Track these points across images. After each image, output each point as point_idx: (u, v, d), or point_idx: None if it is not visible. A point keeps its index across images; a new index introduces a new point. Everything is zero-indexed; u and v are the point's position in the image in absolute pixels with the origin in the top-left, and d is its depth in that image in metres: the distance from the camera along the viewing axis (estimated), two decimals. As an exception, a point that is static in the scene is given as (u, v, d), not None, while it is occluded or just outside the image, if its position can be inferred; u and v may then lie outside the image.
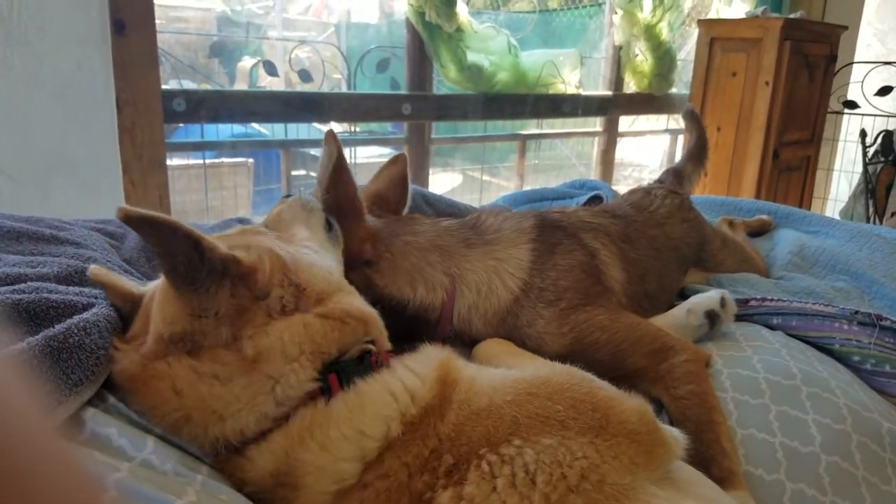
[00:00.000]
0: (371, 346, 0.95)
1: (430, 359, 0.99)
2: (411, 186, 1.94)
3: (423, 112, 3.34)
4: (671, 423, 1.23)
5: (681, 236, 1.77)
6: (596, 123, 4.25)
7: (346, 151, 4.33)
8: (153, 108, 2.67)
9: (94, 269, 1.03)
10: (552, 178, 4.33)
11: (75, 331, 0.88)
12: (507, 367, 1.14)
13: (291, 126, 3.15)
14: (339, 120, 3.22)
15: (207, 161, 3.15)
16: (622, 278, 1.45)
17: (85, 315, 0.92)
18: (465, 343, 1.30)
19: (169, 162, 2.79)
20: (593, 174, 4.22)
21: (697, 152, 2.13)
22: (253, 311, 0.89)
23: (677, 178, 2.08)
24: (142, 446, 0.84)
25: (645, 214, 1.74)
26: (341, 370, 0.90)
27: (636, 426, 0.92)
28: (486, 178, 4.75)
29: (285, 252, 0.98)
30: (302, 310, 0.93)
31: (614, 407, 0.93)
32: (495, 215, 1.43)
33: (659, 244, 1.66)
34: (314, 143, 3.25)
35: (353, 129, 3.53)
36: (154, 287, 0.98)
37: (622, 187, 5.14)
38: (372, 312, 1.02)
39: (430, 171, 3.64)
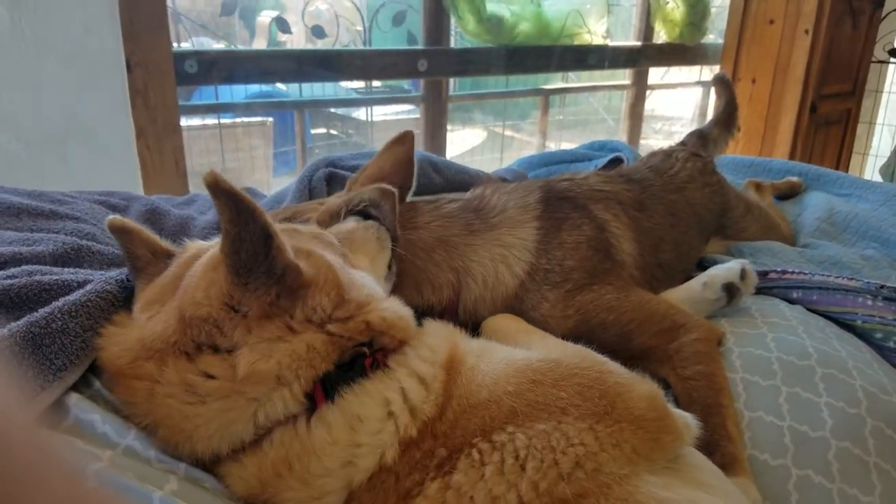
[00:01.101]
0: (364, 350, 0.89)
1: (436, 348, 0.94)
2: (418, 153, 1.90)
3: (440, 68, 3.24)
4: (676, 405, 1.20)
5: (702, 202, 1.70)
6: (624, 76, 4.12)
7: (362, 111, 4.27)
8: (165, 69, 2.64)
9: (112, 217, 0.98)
10: (578, 134, 4.24)
11: (58, 315, 0.87)
12: (517, 345, 1.12)
13: (312, 85, 3.10)
14: (354, 78, 3.15)
15: (223, 121, 3.11)
16: (634, 250, 1.39)
17: (71, 297, 0.91)
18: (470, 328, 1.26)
19: (184, 123, 2.77)
20: (621, 130, 4.11)
21: (726, 118, 2.05)
22: (275, 322, 0.83)
23: (702, 140, 2.00)
24: (125, 433, 0.83)
25: (664, 178, 1.67)
26: (327, 379, 0.84)
27: (644, 412, 0.88)
28: (508, 133, 4.66)
29: (344, 273, 0.92)
30: (321, 323, 0.86)
31: (623, 393, 0.90)
32: (500, 190, 1.37)
33: (677, 210, 1.60)
34: (332, 102, 3.19)
35: (369, 86, 3.46)
36: (192, 254, 0.93)
37: (652, 141, 5.02)
38: (401, 318, 0.94)
39: (450, 129, 3.56)
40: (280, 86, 3.64)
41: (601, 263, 1.30)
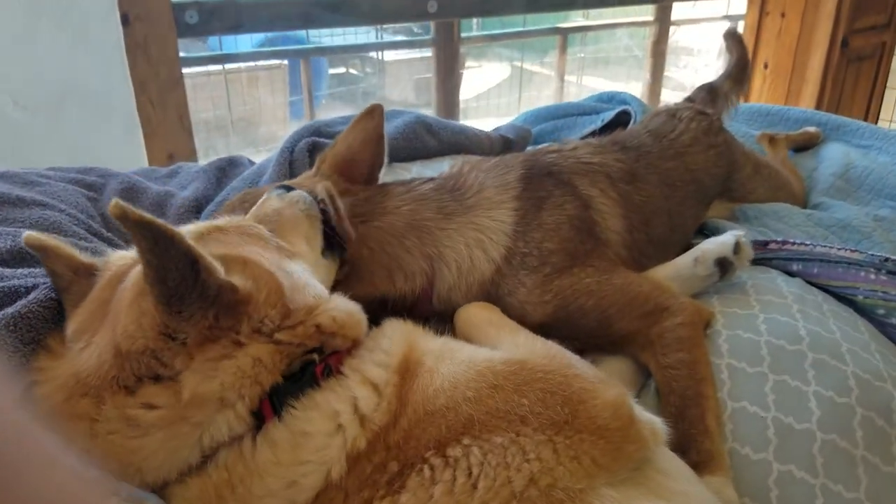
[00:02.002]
0: (314, 357, 0.85)
1: (391, 351, 0.91)
2: (410, 113, 1.83)
3: (451, 8, 3.10)
4: (657, 394, 1.16)
5: (704, 166, 1.62)
6: (647, 11, 3.93)
7: (372, 55, 4.16)
8: (165, 21, 2.57)
9: (28, 235, 0.94)
10: (599, 72, 4.08)
11: (-6, 330, 0.85)
12: (484, 342, 1.07)
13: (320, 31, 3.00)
14: (362, 23, 3.05)
15: (229, 67, 3.04)
16: (621, 227, 1.33)
17: (10, 309, 0.89)
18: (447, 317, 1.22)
19: (186, 71, 2.71)
20: (644, 67, 3.95)
21: (737, 73, 1.93)
22: (219, 343, 0.79)
23: (711, 95, 1.89)
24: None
25: (663, 143, 1.59)
26: (275, 393, 0.81)
27: (607, 421, 0.85)
28: (531, 67, 4.52)
29: (283, 275, 0.87)
30: (269, 334, 0.83)
31: (587, 401, 0.86)
32: (478, 167, 1.30)
33: (674, 179, 1.52)
34: (339, 49, 3.10)
35: (379, 30, 3.34)
36: (114, 273, 0.89)
37: (675, 73, 4.83)
38: (350, 315, 0.91)
39: (469, 66, 3.43)
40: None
41: (583, 244, 1.24)
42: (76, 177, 1.44)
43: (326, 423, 0.81)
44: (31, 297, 0.92)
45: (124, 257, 0.92)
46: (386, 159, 1.29)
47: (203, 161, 2.93)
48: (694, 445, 1.05)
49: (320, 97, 3.75)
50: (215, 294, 0.77)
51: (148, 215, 0.70)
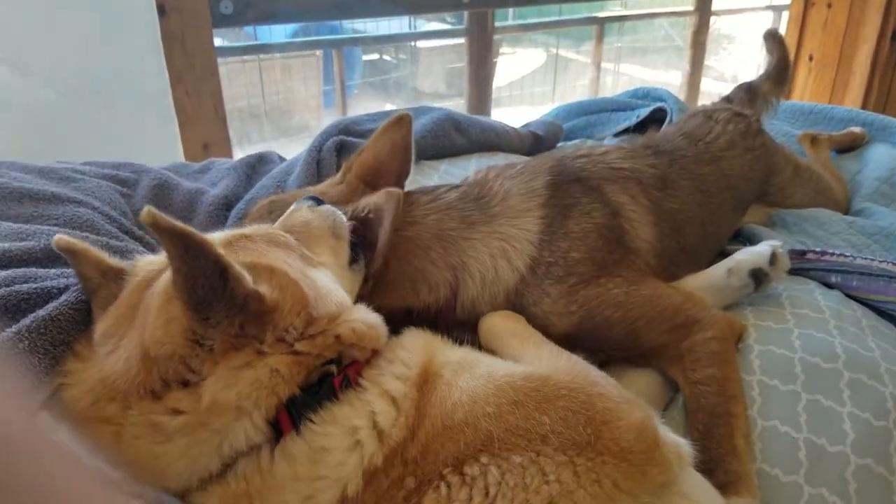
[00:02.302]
0: (332, 368, 0.85)
1: (410, 363, 0.90)
2: (439, 110, 1.81)
3: (485, -1, 3.06)
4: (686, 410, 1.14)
5: (740, 171, 1.57)
6: (687, 2, 3.84)
7: (407, 46, 4.13)
8: (200, 11, 2.58)
9: (58, 238, 0.94)
10: (637, 61, 4.00)
11: (25, 334, 0.87)
12: (507, 354, 1.06)
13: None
14: (395, 14, 3.02)
15: (263, 56, 3.04)
16: (651, 236, 1.30)
17: (41, 311, 0.90)
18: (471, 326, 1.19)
19: (222, 60, 2.72)
20: (684, 58, 3.87)
21: (777, 74, 1.88)
22: (242, 351, 0.79)
23: (750, 95, 1.85)
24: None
25: (699, 147, 1.55)
26: (293, 405, 0.81)
27: (631, 444, 0.83)
28: (567, 54, 4.45)
29: (308, 284, 0.87)
30: (291, 343, 0.83)
31: (610, 422, 0.84)
32: (504, 174, 1.28)
33: (708, 185, 1.48)
34: (372, 39, 3.08)
35: (413, 22, 3.32)
36: (143, 278, 0.89)
37: (716, 63, 4.72)
38: (371, 327, 0.91)
39: (504, 52, 3.37)
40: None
41: (611, 254, 1.21)
42: (110, 172, 1.46)
43: (344, 439, 0.80)
44: (62, 299, 0.93)
45: (152, 262, 0.92)
46: (413, 159, 1.28)
47: (237, 150, 2.95)
48: (721, 465, 1.02)
49: (353, 87, 3.74)
50: (242, 302, 0.78)
51: (179, 224, 0.70)
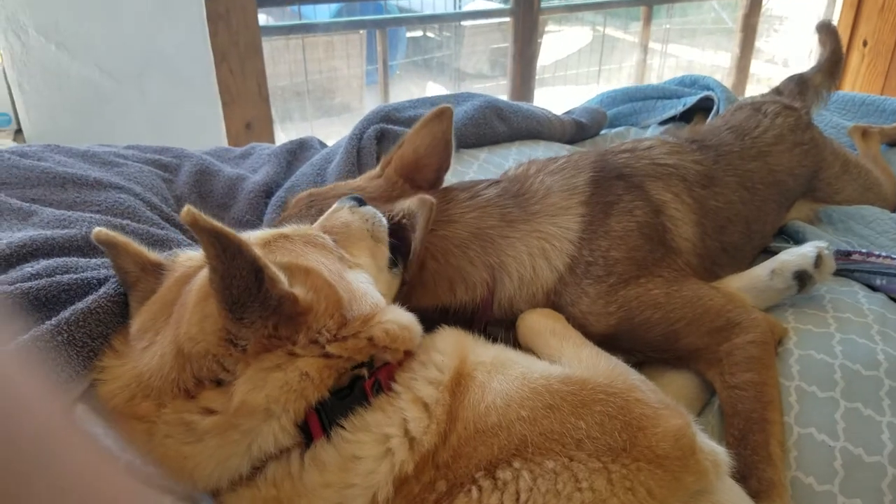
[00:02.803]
0: (363, 372, 0.85)
1: (443, 366, 0.89)
2: (481, 97, 1.80)
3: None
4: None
5: (788, 167, 1.54)
6: (740, -18, 3.74)
7: (450, 35, 4.08)
8: (245, -11, 2.59)
9: (98, 231, 0.95)
10: (686, 41, 3.90)
11: (64, 326, 0.89)
12: (546, 353, 1.06)
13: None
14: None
15: (307, 35, 3.04)
16: (693, 235, 1.28)
17: (80, 304, 0.92)
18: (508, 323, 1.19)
19: (266, 39, 2.73)
20: (734, 40, 3.77)
21: (829, 67, 1.83)
22: (274, 353, 0.80)
23: (800, 87, 1.79)
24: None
25: (745, 141, 1.51)
26: (323, 409, 0.80)
27: (668, 451, 0.83)
28: (614, 33, 4.35)
29: (343, 287, 0.87)
30: (323, 345, 0.83)
31: (647, 428, 0.84)
32: (545, 170, 1.26)
33: (754, 181, 1.45)
34: (417, 19, 3.05)
35: (458, 1, 3.28)
36: (182, 273, 0.90)
37: (766, 45, 4.58)
38: (404, 328, 0.90)
39: (549, 30, 3.29)
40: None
41: (651, 253, 1.20)
42: (153, 157, 1.48)
43: (376, 448, 0.80)
44: (101, 291, 0.95)
45: (192, 258, 0.93)
46: (453, 153, 1.27)
47: (278, 130, 2.97)
48: (755, 473, 1.01)
49: (395, 67, 3.72)
50: (277, 303, 0.78)
51: (217, 224, 0.71)
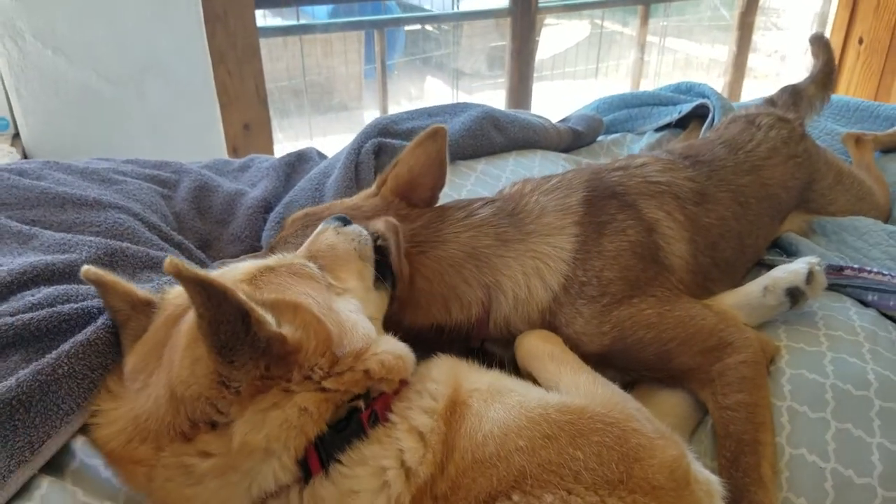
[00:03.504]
0: (359, 404, 0.86)
1: (438, 394, 0.90)
2: (480, 108, 1.81)
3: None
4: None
5: (781, 179, 1.55)
6: (736, -20, 3.73)
7: (448, 30, 4.07)
8: (243, -8, 2.59)
9: (86, 269, 0.95)
10: (684, 35, 3.89)
11: (65, 360, 0.90)
12: (544, 377, 1.06)
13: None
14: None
15: (305, 37, 3.04)
16: (686, 252, 1.29)
17: (80, 336, 0.93)
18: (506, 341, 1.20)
19: (264, 40, 2.73)
20: (731, 37, 3.77)
21: (823, 78, 1.84)
22: (270, 392, 0.80)
23: (794, 98, 1.80)
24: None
25: (739, 156, 1.52)
26: (321, 443, 0.82)
27: (663, 482, 0.84)
28: (611, 27, 4.33)
29: (333, 320, 0.88)
30: (318, 381, 0.83)
31: (643, 459, 0.85)
32: (540, 189, 1.27)
33: (747, 196, 1.46)
34: (416, 20, 3.05)
35: (455, 4, 3.28)
36: (170, 314, 0.90)
37: (762, 39, 4.57)
38: (398, 358, 0.91)
39: (548, 23, 3.28)
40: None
41: (644, 272, 1.21)
42: (151, 172, 1.49)
43: (373, 481, 0.81)
44: (98, 322, 0.96)
45: (180, 296, 0.93)
46: (447, 172, 1.27)
47: (276, 131, 2.97)
48: (746, 496, 1.03)
49: (393, 66, 3.72)
50: (266, 345, 0.78)
51: (201, 273, 0.72)
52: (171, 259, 0.71)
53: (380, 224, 1.09)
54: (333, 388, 0.84)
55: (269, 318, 0.79)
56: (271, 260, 0.95)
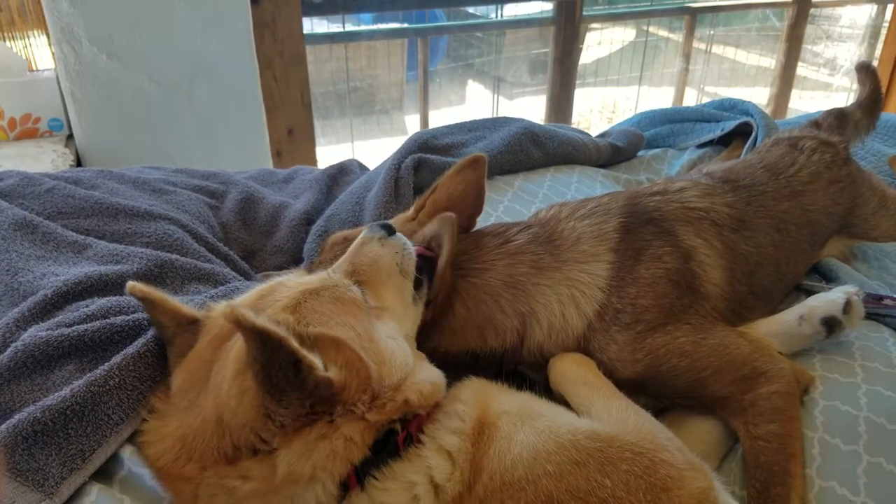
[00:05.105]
0: (396, 426, 0.88)
1: (465, 416, 0.93)
2: (518, 122, 1.82)
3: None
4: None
5: (823, 205, 1.54)
6: (786, -9, 3.68)
7: (491, 36, 4.08)
8: (291, 0, 2.65)
9: (132, 286, 0.97)
10: (732, 43, 3.83)
11: (116, 371, 0.95)
12: (576, 402, 1.08)
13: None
14: (481, 2, 3.02)
15: (349, 44, 3.09)
16: (722, 280, 1.29)
17: (130, 349, 0.98)
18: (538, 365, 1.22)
19: (310, 47, 2.78)
20: (778, 53, 3.71)
21: (869, 105, 1.82)
22: (315, 425, 0.83)
23: (840, 121, 1.78)
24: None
25: (780, 181, 1.51)
26: (360, 464, 0.84)
27: None
28: (657, 31, 4.29)
29: (373, 353, 0.90)
30: (360, 415, 0.86)
31: (671, 489, 0.86)
32: (575, 215, 1.28)
33: (787, 223, 1.45)
34: (459, 28, 3.07)
35: (498, 11, 3.29)
36: (216, 334, 0.93)
37: (812, 48, 4.49)
38: (434, 385, 0.94)
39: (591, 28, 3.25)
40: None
41: (679, 300, 1.22)
42: (200, 183, 1.54)
43: (403, 495, 0.84)
44: (148, 335, 1.01)
45: (224, 317, 0.96)
46: (483, 209, 1.29)
47: (319, 135, 3.02)
48: (774, 527, 1.03)
49: (435, 72, 3.74)
50: (313, 388, 0.81)
51: (259, 322, 0.75)
52: (232, 307, 0.74)
53: (433, 225, 1.11)
54: (375, 420, 0.87)
55: (318, 363, 0.82)
56: (316, 281, 0.97)
